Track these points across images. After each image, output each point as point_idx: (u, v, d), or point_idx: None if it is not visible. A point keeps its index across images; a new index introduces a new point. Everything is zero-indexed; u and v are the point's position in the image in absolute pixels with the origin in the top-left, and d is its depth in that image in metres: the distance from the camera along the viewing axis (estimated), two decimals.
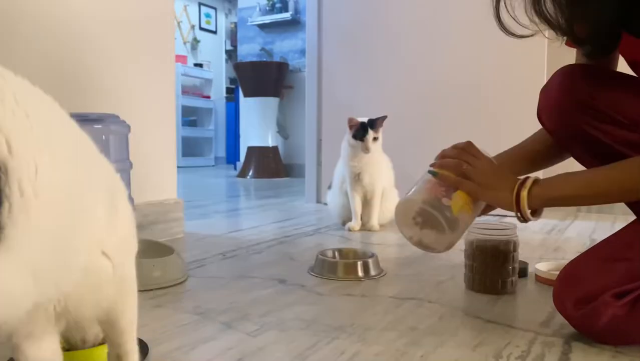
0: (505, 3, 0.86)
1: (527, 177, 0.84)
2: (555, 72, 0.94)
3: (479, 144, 0.95)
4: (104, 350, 0.68)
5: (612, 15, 0.78)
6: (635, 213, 0.93)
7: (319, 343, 0.80)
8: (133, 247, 0.59)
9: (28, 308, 0.42)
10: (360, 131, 1.79)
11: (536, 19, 0.81)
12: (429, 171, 0.90)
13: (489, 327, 0.88)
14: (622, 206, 0.96)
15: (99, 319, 0.56)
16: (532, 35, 0.86)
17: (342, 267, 1.22)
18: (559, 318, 0.87)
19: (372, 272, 1.22)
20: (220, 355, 0.76)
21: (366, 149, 1.79)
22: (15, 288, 0.40)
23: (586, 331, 0.81)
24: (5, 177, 0.38)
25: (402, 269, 1.30)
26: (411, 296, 1.06)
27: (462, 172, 0.88)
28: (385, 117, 1.81)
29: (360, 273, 1.21)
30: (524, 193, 0.82)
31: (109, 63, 1.50)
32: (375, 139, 1.80)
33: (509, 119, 2.16)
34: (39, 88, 0.46)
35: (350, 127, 1.83)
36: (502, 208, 0.87)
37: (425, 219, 0.89)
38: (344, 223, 1.90)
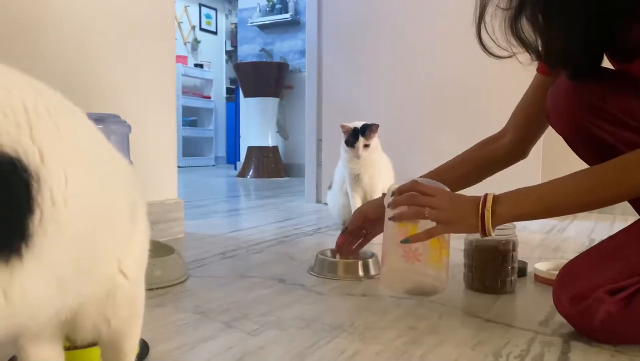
0: (485, 25, 0.88)
1: (486, 196, 0.84)
2: (562, 75, 0.94)
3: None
4: None
5: (584, 41, 0.79)
6: (637, 210, 0.93)
7: (319, 342, 0.81)
8: (145, 265, 0.59)
9: (51, 315, 0.43)
10: (351, 138, 1.77)
11: (513, 41, 0.83)
12: (402, 241, 0.91)
13: (488, 326, 0.89)
14: (621, 206, 0.96)
15: (102, 339, 0.55)
16: (509, 57, 0.87)
17: (342, 267, 1.22)
18: (559, 318, 0.87)
19: (372, 272, 1.22)
20: (220, 354, 0.76)
21: (356, 156, 1.77)
22: (41, 295, 0.41)
23: (583, 328, 0.82)
24: (37, 186, 0.38)
25: None
26: (411, 296, 1.06)
27: (425, 217, 0.89)
28: (377, 125, 1.78)
29: (360, 273, 1.21)
30: (488, 215, 0.83)
31: (109, 63, 1.50)
32: (366, 146, 1.77)
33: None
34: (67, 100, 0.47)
35: (343, 133, 1.82)
36: (470, 232, 0.91)
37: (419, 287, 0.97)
38: (344, 223, 1.90)
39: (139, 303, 0.57)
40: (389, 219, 0.95)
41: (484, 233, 0.84)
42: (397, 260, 0.92)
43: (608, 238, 0.88)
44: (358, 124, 1.80)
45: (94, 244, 0.46)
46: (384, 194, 1.05)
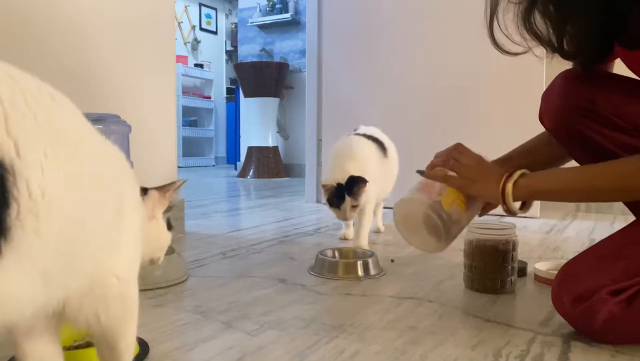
0: (498, 22, 0.87)
1: (514, 171, 0.85)
2: (557, 76, 0.95)
3: (478, 144, 0.95)
4: None
5: (598, 29, 0.78)
6: (634, 213, 0.93)
7: (319, 342, 0.81)
8: (137, 264, 0.59)
9: (36, 309, 0.43)
10: (336, 199, 1.43)
11: (527, 36, 0.83)
12: (417, 171, 0.94)
13: (488, 326, 0.89)
14: (621, 206, 0.96)
15: (96, 337, 0.55)
16: (525, 53, 0.87)
17: (342, 266, 1.22)
18: (558, 318, 0.87)
19: (372, 271, 1.22)
20: (220, 354, 0.76)
21: (344, 219, 1.47)
22: (23, 290, 0.40)
23: (584, 329, 0.82)
24: (13, 179, 0.38)
25: (401, 268, 1.30)
26: (411, 296, 1.06)
27: (449, 168, 0.91)
28: (365, 181, 1.43)
29: (360, 273, 1.21)
30: (510, 185, 0.84)
31: (109, 63, 1.50)
32: (354, 207, 1.44)
33: (509, 119, 2.16)
34: (51, 87, 0.46)
35: (324, 191, 1.47)
36: (489, 200, 0.90)
37: (423, 221, 0.92)
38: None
39: (130, 301, 0.56)
40: (417, 171, 0.97)
41: (505, 204, 0.84)
42: (414, 192, 0.93)
43: (608, 237, 0.88)
44: (344, 173, 1.43)
45: (78, 237, 0.45)
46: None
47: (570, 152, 0.96)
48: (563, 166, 0.94)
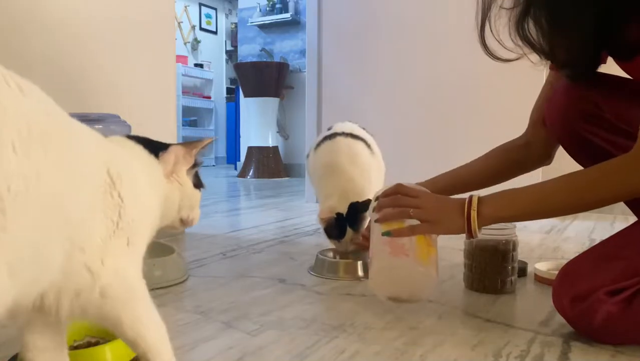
0: (490, 27, 0.86)
1: (471, 197, 0.85)
2: (560, 81, 0.94)
3: (479, 144, 0.96)
4: (104, 350, 0.69)
5: (592, 39, 0.77)
6: (635, 213, 0.93)
7: (319, 342, 0.81)
8: (137, 252, 0.57)
9: (7, 304, 0.42)
10: (335, 229, 1.23)
11: (520, 43, 0.82)
12: (383, 233, 0.90)
13: (488, 326, 0.89)
14: (621, 206, 0.96)
15: (113, 331, 0.55)
16: (517, 59, 0.86)
17: (342, 267, 1.22)
18: (559, 318, 0.87)
19: None
20: (220, 354, 0.76)
21: (344, 250, 1.27)
22: None
23: (583, 329, 0.82)
24: None
25: None
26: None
27: (409, 217, 0.89)
28: (369, 201, 1.12)
29: (360, 273, 1.21)
30: (474, 215, 0.83)
31: (109, 63, 1.50)
32: (354, 240, 1.24)
33: (509, 119, 2.15)
34: (17, 76, 0.45)
35: (321, 220, 1.26)
36: (456, 233, 0.88)
37: (411, 282, 0.93)
38: None
39: (119, 289, 0.54)
40: (375, 221, 0.94)
41: (470, 234, 0.84)
42: (385, 258, 0.91)
43: (608, 238, 0.88)
44: (345, 198, 1.22)
45: (47, 231, 0.45)
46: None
47: (575, 157, 0.96)
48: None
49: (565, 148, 0.97)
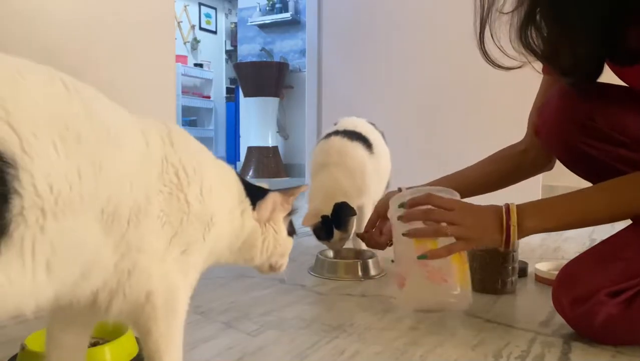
0: (491, 33, 0.84)
1: (508, 209, 0.80)
2: (552, 90, 0.93)
3: (479, 143, 0.95)
4: (103, 350, 0.69)
5: (598, 41, 0.75)
6: None
7: (319, 342, 0.81)
8: (191, 267, 0.57)
9: (48, 299, 0.42)
10: (323, 232, 1.26)
11: (522, 49, 0.80)
12: (419, 257, 0.83)
13: (488, 327, 0.88)
14: None
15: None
16: (519, 67, 0.84)
17: (342, 267, 1.22)
18: (559, 318, 0.87)
19: (372, 272, 1.22)
20: (220, 354, 0.76)
21: (335, 250, 1.30)
22: (24, 284, 0.40)
23: (583, 330, 0.82)
24: (15, 173, 0.37)
25: None
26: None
27: (446, 235, 0.82)
28: (354, 212, 1.27)
29: (360, 273, 1.21)
30: (514, 231, 0.79)
31: (109, 63, 1.50)
32: (343, 239, 1.28)
33: (509, 118, 2.15)
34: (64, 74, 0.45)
35: (308, 226, 1.29)
36: (492, 246, 0.87)
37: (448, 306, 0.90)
38: None
39: (166, 301, 0.53)
40: (405, 235, 0.85)
41: (507, 247, 0.81)
42: (422, 282, 0.86)
43: (607, 239, 0.88)
44: (326, 214, 1.24)
45: (93, 229, 0.44)
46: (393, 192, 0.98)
47: (570, 168, 0.95)
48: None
49: (560, 160, 0.96)
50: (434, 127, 2.35)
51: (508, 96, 2.20)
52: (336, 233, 1.24)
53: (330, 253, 1.31)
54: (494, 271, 1.07)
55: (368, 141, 1.41)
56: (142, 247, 0.49)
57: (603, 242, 0.88)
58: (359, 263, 1.22)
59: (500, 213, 0.80)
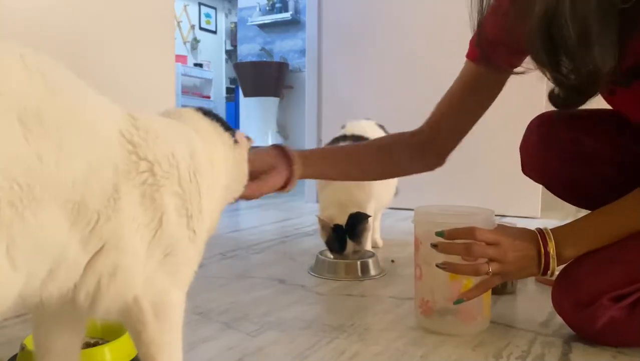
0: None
1: (546, 242, 0.77)
2: (531, 123, 0.91)
3: (479, 144, 0.95)
4: (103, 351, 0.69)
5: (614, 57, 0.66)
6: None
7: (319, 342, 0.80)
8: (181, 267, 0.55)
9: (13, 296, 0.40)
10: (336, 242, 1.23)
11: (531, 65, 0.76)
12: (455, 303, 0.80)
13: (489, 327, 0.88)
14: None
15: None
16: (523, 73, 0.83)
17: (342, 267, 1.22)
18: (559, 319, 0.87)
19: (372, 272, 1.22)
20: (220, 354, 0.76)
21: (342, 259, 1.25)
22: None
23: (585, 333, 0.81)
24: None
25: (402, 269, 1.30)
26: (411, 296, 1.05)
27: (486, 274, 0.78)
28: (367, 218, 1.25)
29: (360, 273, 1.21)
30: (553, 264, 0.77)
31: (108, 63, 1.50)
32: (357, 251, 1.24)
33: (509, 117, 2.15)
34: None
35: (320, 227, 1.27)
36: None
37: None
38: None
39: (155, 305, 0.51)
40: (439, 267, 0.80)
41: (545, 275, 0.79)
42: (452, 320, 0.85)
43: None
44: (343, 208, 1.22)
45: (56, 222, 0.41)
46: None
47: (561, 197, 0.94)
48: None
49: (550, 190, 0.95)
50: None
51: (508, 97, 2.20)
52: (349, 245, 1.22)
53: (330, 253, 1.30)
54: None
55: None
56: (120, 246, 0.46)
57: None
58: (359, 263, 1.22)
59: (538, 244, 0.78)
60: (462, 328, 0.85)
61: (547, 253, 0.77)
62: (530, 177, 0.97)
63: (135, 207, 0.47)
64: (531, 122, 0.92)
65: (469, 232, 0.79)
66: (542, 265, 0.77)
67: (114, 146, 0.47)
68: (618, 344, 0.79)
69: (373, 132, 1.44)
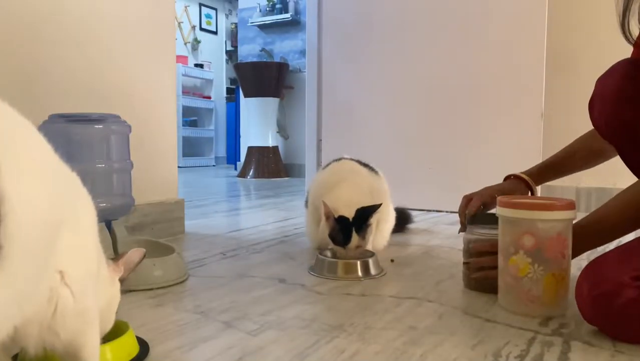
0: (630, 15, 0.83)
1: None
2: (618, 62, 0.89)
3: (479, 144, 0.95)
4: (104, 350, 0.69)
5: None
6: None
7: (319, 342, 0.81)
8: (93, 274, 0.56)
9: (9, 330, 0.41)
10: (340, 234, 1.21)
11: None
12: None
13: (488, 326, 0.89)
14: None
15: (58, 350, 0.52)
16: None
17: (342, 266, 1.22)
18: (558, 318, 0.87)
19: (372, 271, 1.22)
20: (220, 354, 0.76)
21: (345, 257, 1.23)
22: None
23: (600, 314, 0.81)
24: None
25: (401, 268, 1.30)
26: (411, 296, 1.06)
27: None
28: (377, 208, 1.24)
29: (359, 273, 1.21)
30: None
31: (110, 63, 1.50)
32: (359, 246, 1.23)
33: (510, 117, 2.16)
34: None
35: (327, 218, 1.24)
36: None
37: None
38: (319, 248, 1.38)
39: (89, 314, 0.53)
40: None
41: None
42: (513, 295, 0.94)
43: (635, 238, 0.88)
44: (345, 215, 1.21)
45: (42, 256, 0.43)
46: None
47: (616, 145, 0.93)
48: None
49: (606, 136, 0.93)
50: (435, 127, 2.35)
51: (509, 97, 2.20)
52: (354, 238, 1.21)
53: (330, 253, 1.30)
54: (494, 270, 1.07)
55: (369, 166, 1.52)
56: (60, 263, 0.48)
57: (630, 241, 0.88)
58: (359, 263, 1.22)
59: None
60: (523, 306, 0.92)
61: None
62: (592, 114, 0.95)
63: None
64: (618, 62, 0.90)
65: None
66: None
67: None
68: (630, 330, 0.78)
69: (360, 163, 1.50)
